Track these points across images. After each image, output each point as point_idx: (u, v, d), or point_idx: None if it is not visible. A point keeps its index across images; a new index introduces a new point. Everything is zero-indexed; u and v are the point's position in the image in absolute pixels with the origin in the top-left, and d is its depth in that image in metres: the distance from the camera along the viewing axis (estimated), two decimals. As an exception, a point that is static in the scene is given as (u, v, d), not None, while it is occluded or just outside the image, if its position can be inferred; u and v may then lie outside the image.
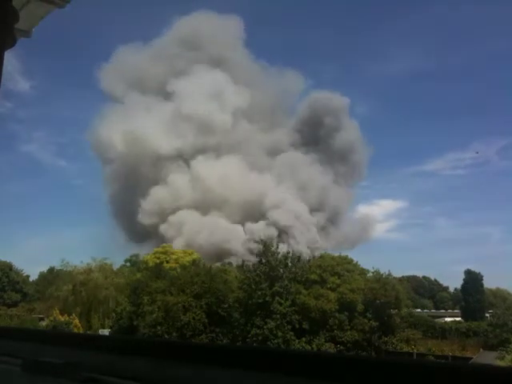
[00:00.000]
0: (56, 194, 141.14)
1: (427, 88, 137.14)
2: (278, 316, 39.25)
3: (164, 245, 65.07)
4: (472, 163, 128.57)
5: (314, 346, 39.36)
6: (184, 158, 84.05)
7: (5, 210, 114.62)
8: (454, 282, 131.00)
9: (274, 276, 40.97)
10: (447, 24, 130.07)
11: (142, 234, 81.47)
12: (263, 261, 42.24)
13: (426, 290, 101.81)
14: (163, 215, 78.32)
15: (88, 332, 45.37)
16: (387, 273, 45.53)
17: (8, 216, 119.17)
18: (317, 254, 53.89)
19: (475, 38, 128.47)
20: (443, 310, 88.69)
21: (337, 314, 40.78)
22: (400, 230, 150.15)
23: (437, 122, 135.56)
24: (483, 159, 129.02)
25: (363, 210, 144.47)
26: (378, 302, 42.18)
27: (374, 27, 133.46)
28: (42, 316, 55.92)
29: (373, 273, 46.07)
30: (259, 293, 39.78)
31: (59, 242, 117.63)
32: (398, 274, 65.29)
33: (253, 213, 76.84)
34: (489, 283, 77.32)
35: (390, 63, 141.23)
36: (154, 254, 63.36)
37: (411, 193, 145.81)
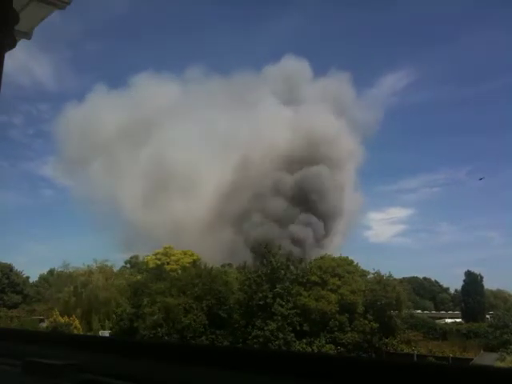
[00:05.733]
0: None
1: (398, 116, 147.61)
2: (279, 318, 39.15)
3: (164, 246, 65.06)
4: (445, 182, 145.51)
5: (314, 347, 39.27)
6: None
7: (13, 215, 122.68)
8: (454, 283, 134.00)
9: (275, 277, 40.88)
10: (447, 58, 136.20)
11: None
12: (265, 262, 42.17)
13: (426, 291, 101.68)
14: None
15: (88, 333, 45.31)
16: (388, 274, 45.51)
17: (15, 221, 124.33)
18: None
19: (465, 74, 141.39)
20: (444, 312, 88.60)
21: (337, 316, 40.69)
22: (404, 235, 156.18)
23: (408, 147, 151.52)
24: (453, 180, 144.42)
25: (373, 215, 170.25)
26: (378, 303, 42.07)
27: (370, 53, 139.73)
28: (42, 317, 55.76)
29: (373, 274, 45.97)
30: (260, 294, 39.69)
31: (60, 245, 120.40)
32: (398, 275, 65.89)
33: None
34: (490, 284, 77.62)
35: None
36: (155, 255, 63.36)
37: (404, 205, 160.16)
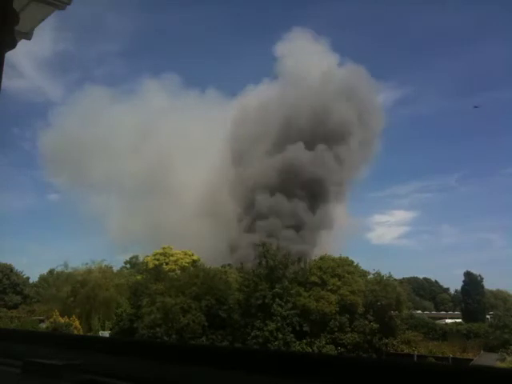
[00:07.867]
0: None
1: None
2: (279, 318, 39.08)
3: (164, 246, 65.03)
4: (437, 188, 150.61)
5: (314, 348, 39.24)
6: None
7: (14, 217, 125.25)
8: (454, 283, 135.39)
9: (273, 277, 40.77)
10: (440, 69, 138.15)
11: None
12: (263, 262, 42.05)
13: (426, 291, 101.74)
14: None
15: (88, 334, 45.28)
16: (388, 275, 45.47)
17: (16, 222, 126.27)
18: None
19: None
20: (444, 312, 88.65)
21: (337, 316, 40.62)
22: (405, 236, 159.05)
23: (407, 153, 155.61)
24: (444, 186, 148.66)
25: (376, 218, 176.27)
26: (379, 303, 42.06)
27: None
28: (42, 318, 55.74)
29: (374, 275, 45.92)
30: (258, 294, 39.60)
31: (60, 246, 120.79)
32: (399, 276, 66.19)
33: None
34: (490, 285, 77.68)
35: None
36: (154, 255, 63.35)
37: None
